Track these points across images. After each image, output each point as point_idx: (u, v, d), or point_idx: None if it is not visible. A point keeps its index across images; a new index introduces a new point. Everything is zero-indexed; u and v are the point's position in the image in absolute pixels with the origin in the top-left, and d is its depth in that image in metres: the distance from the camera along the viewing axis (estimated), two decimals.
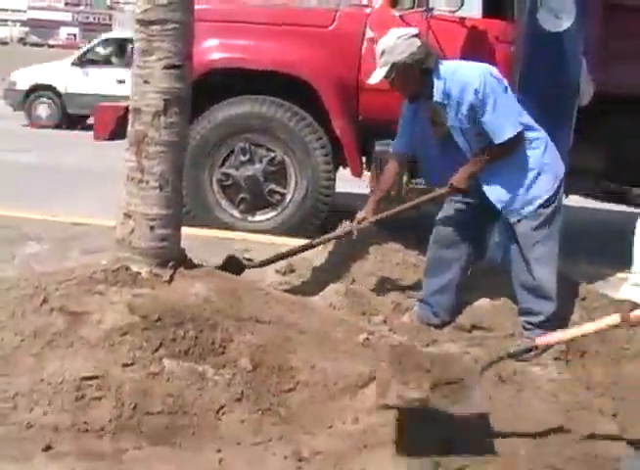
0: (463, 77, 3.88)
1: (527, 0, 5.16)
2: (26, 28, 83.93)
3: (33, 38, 76.24)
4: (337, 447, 2.85)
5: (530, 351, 3.33)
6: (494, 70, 3.94)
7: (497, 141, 3.84)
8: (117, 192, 3.47)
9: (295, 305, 3.67)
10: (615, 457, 2.96)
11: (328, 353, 3.27)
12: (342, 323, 3.68)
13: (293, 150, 5.94)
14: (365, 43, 5.81)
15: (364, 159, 6.17)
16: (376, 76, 4.01)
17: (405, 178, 5.66)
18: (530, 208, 3.92)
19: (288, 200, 6.04)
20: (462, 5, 5.50)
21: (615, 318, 3.00)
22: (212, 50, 5.95)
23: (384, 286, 4.59)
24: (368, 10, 5.98)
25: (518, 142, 3.86)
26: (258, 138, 5.98)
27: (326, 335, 3.44)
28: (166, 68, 3.31)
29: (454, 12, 5.58)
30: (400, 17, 5.73)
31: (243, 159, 5.99)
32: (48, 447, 2.72)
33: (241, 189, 6.04)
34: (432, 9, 5.56)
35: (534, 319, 4.02)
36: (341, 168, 6.48)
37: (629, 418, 3.37)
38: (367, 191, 6.05)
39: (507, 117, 3.85)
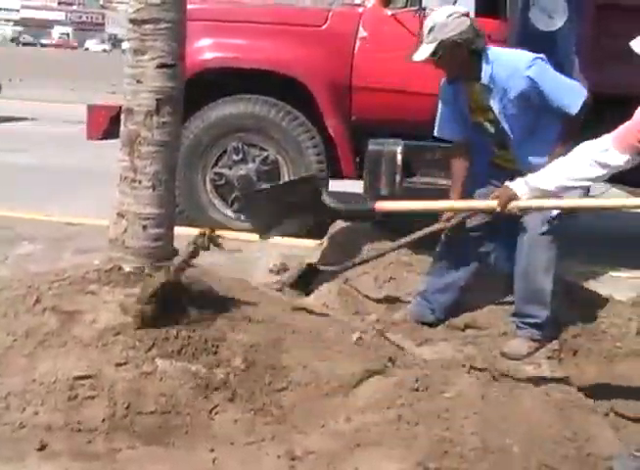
0: (512, 63, 3.84)
1: None
2: (20, 28, 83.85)
3: (26, 37, 76.29)
4: (329, 447, 2.85)
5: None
6: (542, 56, 3.93)
7: (573, 110, 3.81)
8: (116, 192, 3.46)
9: (287, 304, 3.68)
10: (607, 456, 2.96)
11: (321, 353, 3.28)
12: (334, 323, 3.69)
13: (285, 149, 5.93)
14: (358, 42, 5.82)
15: (358, 159, 6.16)
16: (422, 53, 3.91)
17: (398, 177, 5.66)
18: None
19: None
20: (455, 4, 5.50)
21: (492, 204, 3.35)
22: (206, 49, 5.95)
23: (377, 285, 4.59)
24: (361, 9, 5.97)
25: (587, 107, 3.85)
26: (251, 138, 5.97)
27: (319, 334, 3.44)
28: (159, 67, 3.31)
29: None
30: (393, 16, 5.73)
31: (236, 158, 5.99)
32: (42, 448, 2.72)
33: (234, 188, 6.03)
34: (424, 8, 5.56)
35: (530, 321, 4.02)
36: None
37: (622, 417, 3.38)
38: (361, 191, 6.04)
39: (571, 86, 3.87)
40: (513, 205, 3.31)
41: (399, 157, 5.64)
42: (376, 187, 5.73)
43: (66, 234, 5.47)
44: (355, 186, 6.44)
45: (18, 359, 3.02)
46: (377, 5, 5.87)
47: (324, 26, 5.91)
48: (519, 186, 3.31)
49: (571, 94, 3.84)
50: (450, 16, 3.85)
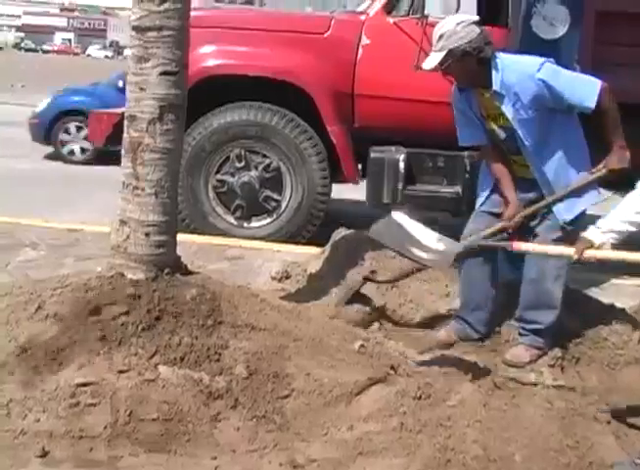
0: (522, 68, 3.81)
1: (522, 7, 5.17)
2: (22, 34, 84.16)
3: (28, 44, 76.56)
4: (332, 455, 2.85)
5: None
6: (550, 59, 3.91)
7: (589, 103, 3.78)
8: (119, 199, 3.46)
9: (290, 312, 3.68)
10: (609, 464, 2.96)
11: (323, 361, 3.28)
12: (337, 330, 3.68)
13: (288, 156, 5.93)
14: (360, 50, 5.82)
15: (360, 166, 6.17)
16: (431, 61, 3.87)
17: (401, 185, 5.67)
18: (570, 215, 3.89)
19: (283, 206, 6.03)
20: (457, 11, 5.50)
21: (569, 251, 3.33)
22: (208, 57, 5.96)
23: (379, 292, 4.57)
24: (363, 17, 5.98)
25: (609, 90, 3.81)
26: (254, 145, 5.97)
27: (321, 342, 3.44)
28: (162, 74, 3.31)
29: None
30: (395, 23, 5.74)
31: (238, 165, 5.99)
32: (43, 455, 2.72)
33: (236, 196, 6.03)
34: (427, 16, 5.56)
35: (533, 327, 4.01)
36: None
37: (623, 425, 3.38)
38: (363, 198, 6.04)
39: (584, 80, 3.85)
40: (589, 254, 3.26)
41: (402, 164, 5.64)
42: (378, 194, 5.73)
43: (67, 240, 5.47)
44: (355, 191, 6.45)
45: (20, 366, 3.02)
46: (379, 13, 5.88)
47: (326, 34, 5.92)
48: (593, 234, 3.26)
49: (584, 87, 3.81)
50: (459, 24, 3.82)
